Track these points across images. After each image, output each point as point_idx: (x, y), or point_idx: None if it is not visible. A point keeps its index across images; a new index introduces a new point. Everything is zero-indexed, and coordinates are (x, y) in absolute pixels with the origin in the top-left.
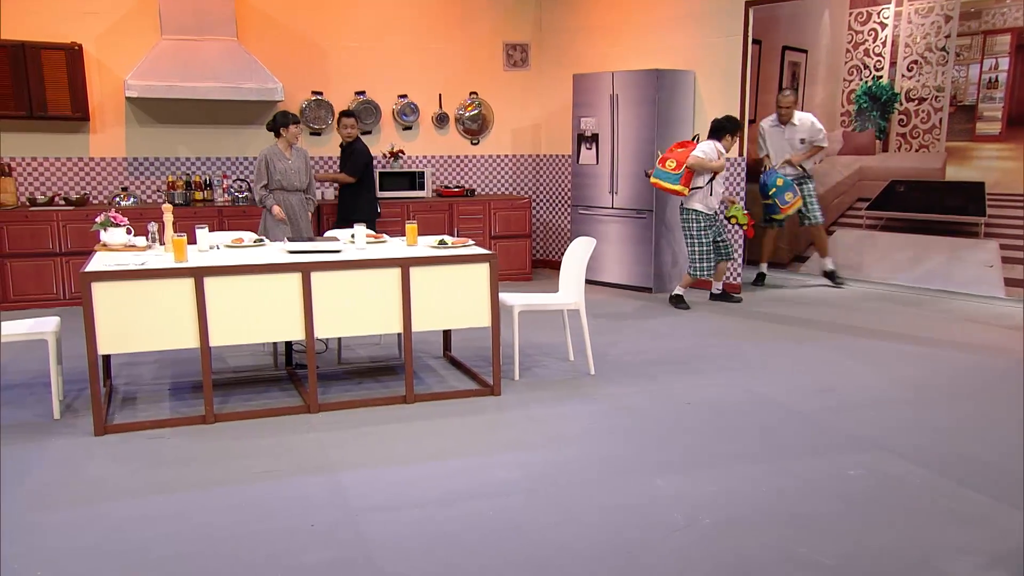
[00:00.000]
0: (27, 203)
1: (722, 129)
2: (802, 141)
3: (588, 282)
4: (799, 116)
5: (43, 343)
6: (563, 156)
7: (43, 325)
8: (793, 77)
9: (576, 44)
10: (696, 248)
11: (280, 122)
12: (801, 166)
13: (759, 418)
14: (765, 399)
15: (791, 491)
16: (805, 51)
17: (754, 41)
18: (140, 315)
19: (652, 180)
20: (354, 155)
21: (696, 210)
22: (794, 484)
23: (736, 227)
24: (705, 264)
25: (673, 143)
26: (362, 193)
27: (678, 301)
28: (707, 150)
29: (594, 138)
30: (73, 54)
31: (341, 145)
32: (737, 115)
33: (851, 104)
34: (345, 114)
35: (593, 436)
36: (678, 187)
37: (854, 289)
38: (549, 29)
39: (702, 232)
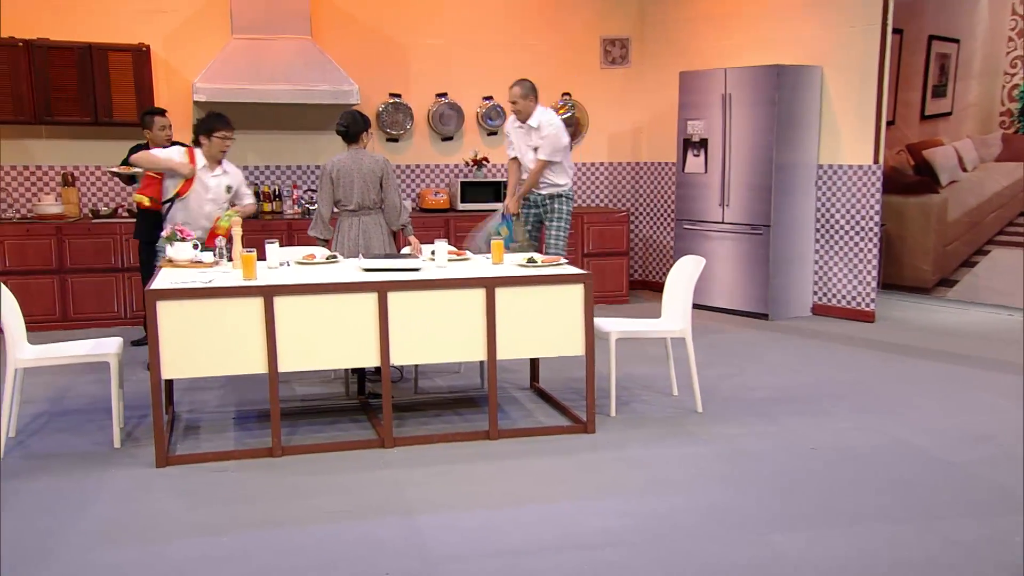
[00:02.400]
0: (90, 215)
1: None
2: (536, 150)
3: (695, 306)
4: (541, 116)
5: (104, 365)
6: (666, 164)
7: (105, 346)
8: (941, 71)
9: (683, 37)
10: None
11: (364, 125)
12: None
13: (899, 468)
14: (907, 446)
15: (940, 558)
16: (956, 41)
17: (894, 30)
18: (206, 337)
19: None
20: None
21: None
22: (944, 549)
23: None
24: None
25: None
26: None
27: None
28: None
29: (703, 144)
30: (140, 56)
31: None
32: (873, 115)
33: (1013, 102)
34: (158, 112)
35: (701, 482)
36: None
37: (1017, 319)
38: (653, 21)
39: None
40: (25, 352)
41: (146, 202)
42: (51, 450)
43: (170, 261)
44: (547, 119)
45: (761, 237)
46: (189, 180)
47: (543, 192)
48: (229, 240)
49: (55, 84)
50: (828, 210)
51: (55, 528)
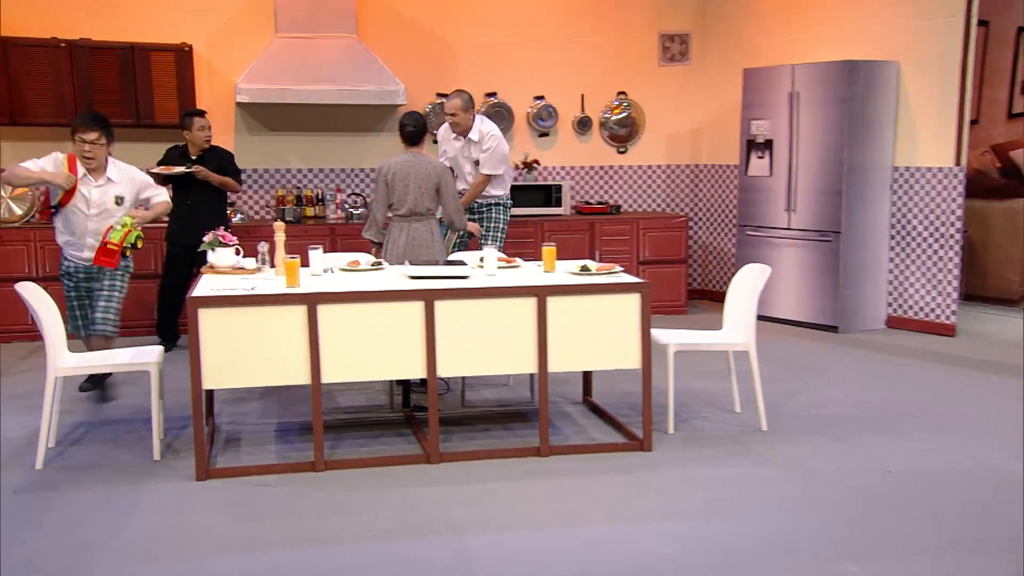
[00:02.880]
0: None
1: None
2: (477, 164)
3: (759, 318)
4: (481, 128)
5: (145, 375)
6: (728, 166)
7: (146, 355)
8: None
9: (748, 32)
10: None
11: (424, 128)
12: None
13: (982, 493)
14: (991, 469)
15: None
16: None
17: (979, 22)
18: (248, 346)
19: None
20: (231, 159)
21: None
22: None
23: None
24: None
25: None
26: (225, 203)
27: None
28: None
29: (767, 145)
30: (183, 56)
31: (188, 152)
32: (954, 114)
33: None
34: (198, 113)
35: (765, 506)
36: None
37: None
38: (715, 16)
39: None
40: (66, 360)
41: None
42: (91, 461)
43: (212, 267)
44: (487, 130)
45: (830, 244)
46: (70, 191)
47: (478, 201)
48: (272, 246)
49: (97, 85)
50: (904, 215)
51: (93, 542)
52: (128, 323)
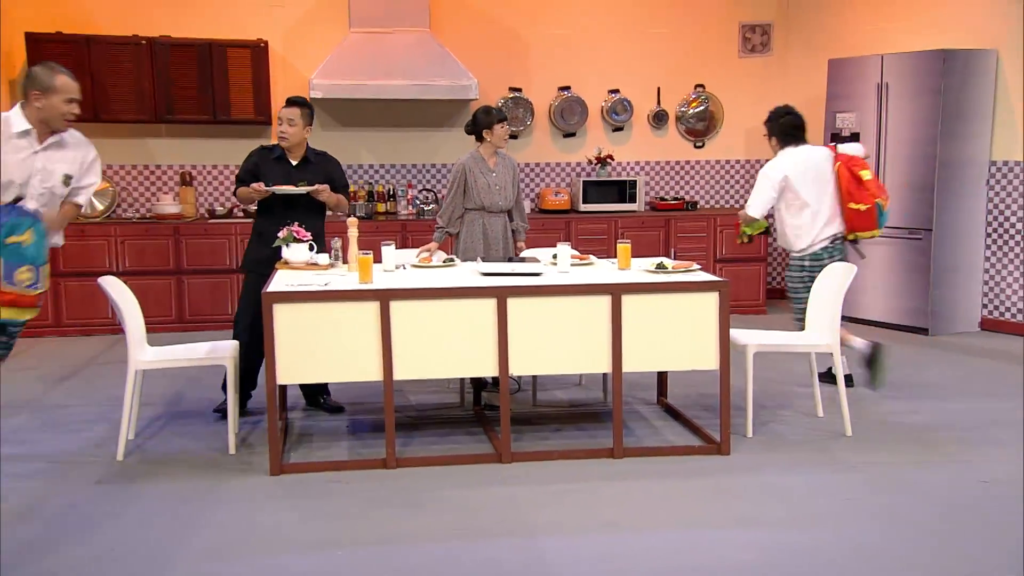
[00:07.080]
0: (206, 215)
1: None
2: (68, 179)
3: (844, 319)
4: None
5: (220, 369)
6: None
7: (222, 350)
8: None
9: (833, 21)
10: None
11: (483, 122)
12: None
13: None
14: None
15: None
16: None
17: None
18: (321, 342)
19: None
20: (341, 170)
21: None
22: None
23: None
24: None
25: (847, 164)
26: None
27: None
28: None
29: (854, 139)
30: (258, 52)
31: (286, 156)
32: None
33: None
34: (300, 102)
35: (850, 516)
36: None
37: None
38: (798, 4)
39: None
40: (146, 354)
41: None
42: (168, 454)
43: (286, 263)
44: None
45: (921, 243)
46: None
47: None
48: (344, 242)
49: (175, 82)
50: (1002, 212)
51: (170, 536)
52: (203, 317)
